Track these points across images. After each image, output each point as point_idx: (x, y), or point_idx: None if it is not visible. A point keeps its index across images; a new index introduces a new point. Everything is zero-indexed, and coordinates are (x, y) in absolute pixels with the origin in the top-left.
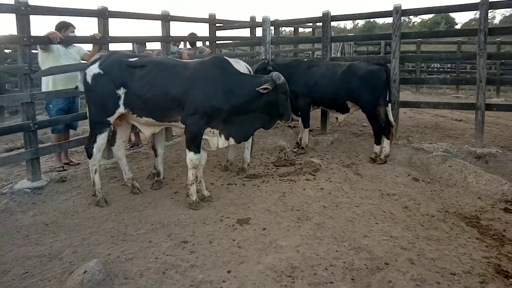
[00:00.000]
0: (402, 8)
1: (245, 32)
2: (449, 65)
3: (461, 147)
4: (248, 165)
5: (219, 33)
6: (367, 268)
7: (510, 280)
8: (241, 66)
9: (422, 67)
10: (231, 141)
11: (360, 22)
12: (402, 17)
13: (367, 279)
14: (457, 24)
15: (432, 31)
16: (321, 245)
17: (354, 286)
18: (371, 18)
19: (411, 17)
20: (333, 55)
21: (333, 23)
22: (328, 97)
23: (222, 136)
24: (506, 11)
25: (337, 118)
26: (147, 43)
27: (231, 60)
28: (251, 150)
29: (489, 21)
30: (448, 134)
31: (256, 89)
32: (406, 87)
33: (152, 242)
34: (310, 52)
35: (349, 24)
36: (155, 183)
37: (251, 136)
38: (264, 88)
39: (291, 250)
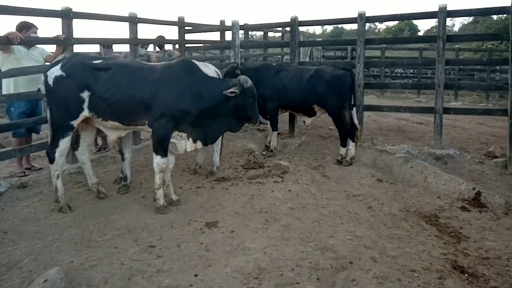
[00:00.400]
0: (366, 15)
1: (215, 36)
2: (411, 71)
3: (421, 149)
4: (217, 168)
5: (188, 36)
6: (332, 267)
7: (466, 275)
8: (210, 69)
9: (386, 72)
10: (199, 144)
11: (329, 28)
12: (367, 24)
13: (332, 278)
14: (419, 31)
15: (395, 37)
16: (288, 246)
17: (320, 285)
18: (338, 24)
19: (376, 23)
20: (302, 60)
21: (303, 28)
22: (296, 101)
23: (190, 139)
24: (464, 20)
25: (304, 121)
26: (114, 45)
27: (200, 64)
28: (220, 153)
29: (449, 28)
30: (410, 137)
31: (223, 92)
32: (372, 91)
33: (118, 247)
34: (280, 56)
35: (318, 30)
36: (122, 188)
37: (221, 139)
38: (231, 92)
39: (258, 252)
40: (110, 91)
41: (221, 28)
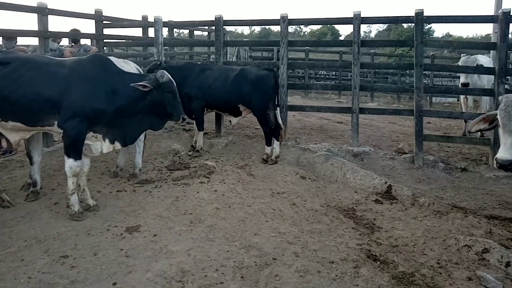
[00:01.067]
0: (289, 17)
1: (137, 32)
2: (334, 73)
3: (341, 146)
4: (139, 170)
5: (107, 31)
6: (256, 265)
7: (378, 263)
8: (130, 67)
9: (310, 73)
10: (117, 145)
11: (257, 29)
12: (293, 26)
13: (256, 276)
14: (341, 35)
15: (316, 40)
16: (212, 247)
17: (244, 283)
18: (262, 25)
19: (302, 26)
20: (229, 59)
21: (232, 28)
22: (221, 100)
23: (106, 140)
24: (380, 27)
25: (230, 121)
26: (20, 38)
27: (118, 60)
28: (142, 154)
29: (366, 34)
30: (331, 135)
31: (131, 85)
32: (297, 92)
33: (24, 260)
34: (207, 55)
35: (246, 30)
36: (31, 194)
37: (143, 140)
38: (143, 86)
39: (182, 254)
40: (10, 89)
41: (143, 24)
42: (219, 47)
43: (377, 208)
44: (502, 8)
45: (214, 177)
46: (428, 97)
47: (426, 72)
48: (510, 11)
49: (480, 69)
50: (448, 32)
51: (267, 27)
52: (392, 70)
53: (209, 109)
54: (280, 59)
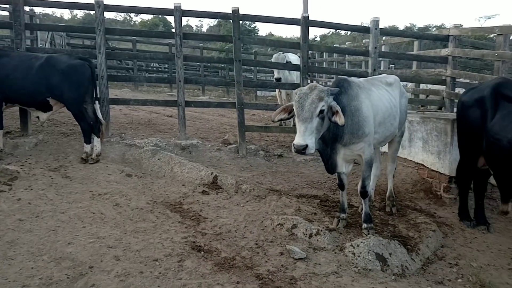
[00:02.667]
0: (105, 2)
1: None
2: (166, 65)
3: (169, 140)
4: None
5: None
6: (68, 278)
7: (202, 253)
8: None
9: (141, 65)
10: None
11: (79, 13)
12: (121, 14)
13: None
14: (173, 27)
15: (137, 30)
16: (12, 266)
17: None
18: (73, 8)
19: (132, 15)
20: (41, 46)
21: (49, 11)
22: (23, 93)
23: None
24: (211, 22)
25: (38, 117)
26: None
27: None
28: None
29: (198, 28)
30: (159, 129)
31: None
32: (128, 85)
33: None
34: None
35: (66, 14)
36: None
37: None
38: None
39: None
40: None
41: None
42: (20, 30)
43: (203, 199)
44: (303, 13)
45: (18, 183)
46: (253, 91)
47: (247, 67)
48: (309, 16)
49: (289, 66)
50: (270, 32)
51: (91, 12)
52: (222, 65)
53: (9, 103)
54: (97, 47)
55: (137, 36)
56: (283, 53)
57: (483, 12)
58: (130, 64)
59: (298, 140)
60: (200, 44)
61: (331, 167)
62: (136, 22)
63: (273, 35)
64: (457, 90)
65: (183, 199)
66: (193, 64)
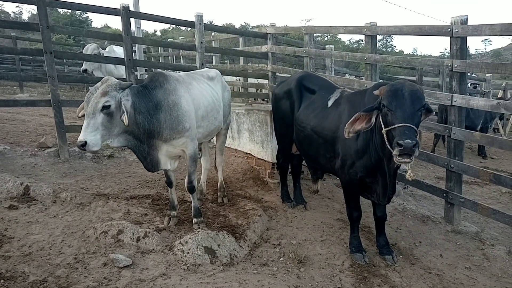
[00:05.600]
0: None
1: None
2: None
3: None
4: None
5: None
6: None
7: (2, 281)
8: None
9: None
10: None
11: None
12: None
13: None
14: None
15: None
16: None
17: None
18: None
19: None
20: None
21: None
22: None
23: None
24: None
25: None
26: None
27: None
28: None
29: (17, 16)
30: None
31: None
32: None
33: None
34: None
35: None
36: None
37: None
38: None
39: None
40: None
41: None
42: None
43: (10, 215)
44: (123, 3)
45: None
46: (86, 87)
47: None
48: (129, 6)
49: (111, 59)
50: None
51: None
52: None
53: None
54: None
55: None
56: (110, 45)
57: (304, 16)
58: None
59: (80, 136)
60: (12, 34)
61: (151, 164)
62: None
63: (109, 27)
64: None
65: None
66: (7, 57)
